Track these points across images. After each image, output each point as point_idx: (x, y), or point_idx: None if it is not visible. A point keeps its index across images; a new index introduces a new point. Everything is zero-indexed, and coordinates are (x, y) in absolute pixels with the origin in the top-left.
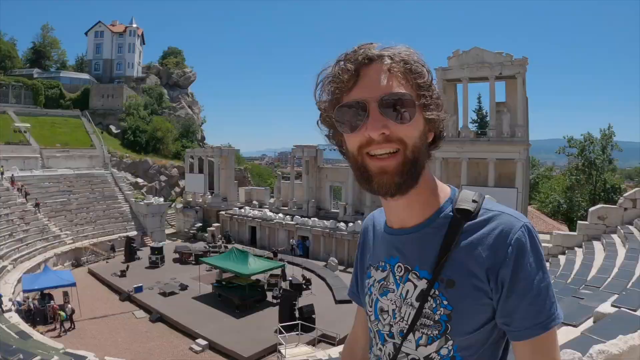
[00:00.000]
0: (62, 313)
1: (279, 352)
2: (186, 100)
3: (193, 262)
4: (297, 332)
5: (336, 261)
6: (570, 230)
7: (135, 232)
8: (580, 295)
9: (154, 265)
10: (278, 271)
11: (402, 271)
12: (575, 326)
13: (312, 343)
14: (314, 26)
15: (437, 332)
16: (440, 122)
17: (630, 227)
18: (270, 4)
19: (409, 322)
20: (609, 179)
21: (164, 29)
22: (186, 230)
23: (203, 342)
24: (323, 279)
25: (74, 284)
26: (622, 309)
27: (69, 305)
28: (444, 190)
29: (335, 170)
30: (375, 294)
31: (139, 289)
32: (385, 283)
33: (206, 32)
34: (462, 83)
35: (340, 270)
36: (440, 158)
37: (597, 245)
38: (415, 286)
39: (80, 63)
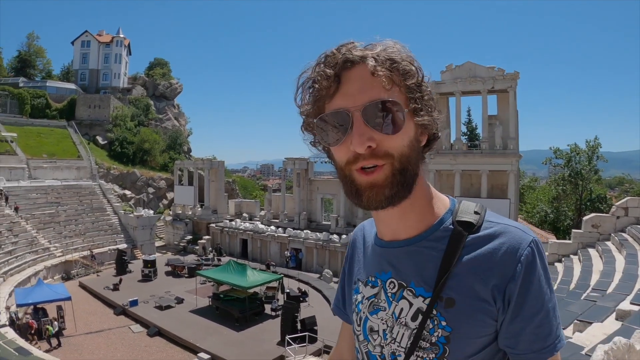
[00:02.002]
0: (50, 328)
1: None
2: (172, 111)
3: (186, 275)
4: (303, 344)
5: (331, 273)
6: (557, 239)
7: (125, 245)
8: (591, 298)
9: (146, 278)
10: (275, 283)
11: (396, 288)
12: (601, 322)
13: (318, 354)
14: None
15: (433, 355)
16: (433, 124)
17: (623, 234)
18: (247, 18)
19: (406, 344)
20: (595, 189)
21: (150, 39)
22: (176, 242)
23: (206, 356)
24: (319, 290)
25: (69, 298)
26: None
27: (55, 322)
28: (442, 201)
29: (326, 183)
30: (364, 312)
31: (134, 303)
32: (375, 300)
33: (192, 44)
34: (454, 96)
35: (334, 282)
36: (434, 170)
37: (593, 252)
38: (411, 304)
39: (66, 73)
